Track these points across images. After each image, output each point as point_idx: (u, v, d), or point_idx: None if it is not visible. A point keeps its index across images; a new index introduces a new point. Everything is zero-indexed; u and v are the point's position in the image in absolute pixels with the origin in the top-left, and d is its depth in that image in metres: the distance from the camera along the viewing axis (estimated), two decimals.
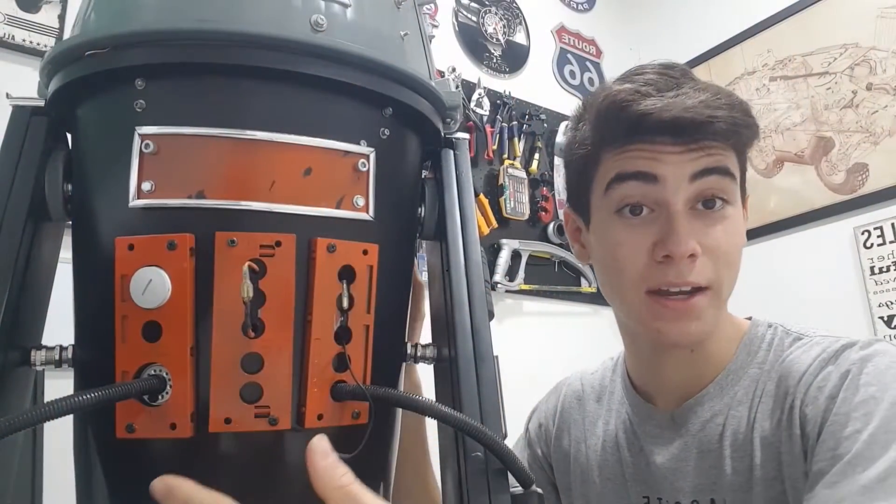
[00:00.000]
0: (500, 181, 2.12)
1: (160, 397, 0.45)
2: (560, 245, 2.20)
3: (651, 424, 0.74)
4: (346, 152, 0.49)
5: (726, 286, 0.66)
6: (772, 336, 0.71)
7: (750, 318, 0.75)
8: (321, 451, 0.40)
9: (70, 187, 0.52)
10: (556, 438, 0.86)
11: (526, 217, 2.16)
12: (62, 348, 0.50)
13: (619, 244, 0.66)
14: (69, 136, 0.54)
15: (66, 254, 0.54)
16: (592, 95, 0.69)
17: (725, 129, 0.62)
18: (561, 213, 2.23)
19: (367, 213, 0.50)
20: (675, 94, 0.63)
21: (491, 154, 2.13)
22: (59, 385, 0.51)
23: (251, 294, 0.44)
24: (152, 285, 0.44)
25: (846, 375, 0.61)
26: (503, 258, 2.05)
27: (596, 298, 2.22)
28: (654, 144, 0.64)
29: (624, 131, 0.65)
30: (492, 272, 2.04)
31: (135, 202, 0.46)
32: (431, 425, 0.52)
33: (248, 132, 0.46)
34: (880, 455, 0.54)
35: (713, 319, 0.66)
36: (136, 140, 0.46)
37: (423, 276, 0.66)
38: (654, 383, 0.75)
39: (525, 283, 2.09)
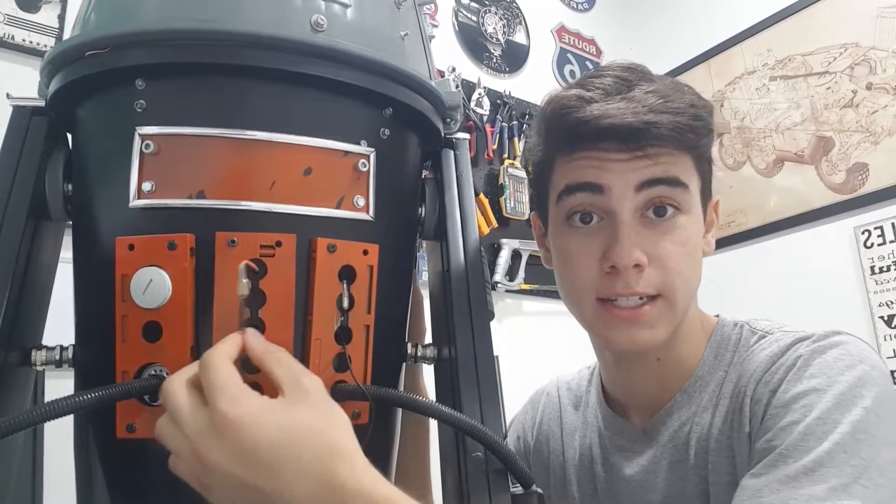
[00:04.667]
0: (500, 181, 2.12)
1: (160, 397, 0.45)
2: None
3: (623, 438, 0.72)
4: (347, 152, 0.49)
5: (680, 295, 0.63)
6: (738, 336, 0.68)
7: (718, 316, 0.72)
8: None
9: (70, 187, 0.52)
10: (536, 451, 0.84)
11: (526, 217, 2.16)
12: (62, 348, 0.50)
13: (570, 254, 0.66)
14: (69, 136, 0.54)
15: (66, 254, 0.54)
16: (543, 100, 0.68)
17: (668, 135, 0.60)
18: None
19: (368, 213, 0.50)
20: (621, 97, 0.61)
21: (491, 154, 2.13)
22: (59, 385, 0.51)
23: (246, 292, 0.44)
24: (153, 285, 0.44)
25: (791, 367, 0.59)
26: (503, 258, 2.04)
27: None
28: (600, 152, 0.62)
29: (567, 139, 0.64)
30: (492, 272, 2.04)
31: (135, 202, 0.46)
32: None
33: (249, 132, 0.47)
34: (814, 447, 0.51)
35: (666, 329, 0.63)
36: (137, 140, 0.46)
37: (424, 277, 0.66)
38: (625, 393, 0.73)
39: (525, 283, 2.09)
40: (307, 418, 0.41)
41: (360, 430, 0.43)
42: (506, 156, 2.18)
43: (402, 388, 0.60)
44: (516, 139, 2.21)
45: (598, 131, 0.60)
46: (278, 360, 0.43)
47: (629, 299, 0.62)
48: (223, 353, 0.42)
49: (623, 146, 0.61)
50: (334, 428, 0.42)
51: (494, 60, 2.30)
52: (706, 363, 0.68)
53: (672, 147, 0.61)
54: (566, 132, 0.63)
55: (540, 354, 1.92)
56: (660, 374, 0.68)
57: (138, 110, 0.47)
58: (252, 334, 0.44)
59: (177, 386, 0.41)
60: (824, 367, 0.57)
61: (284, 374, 0.42)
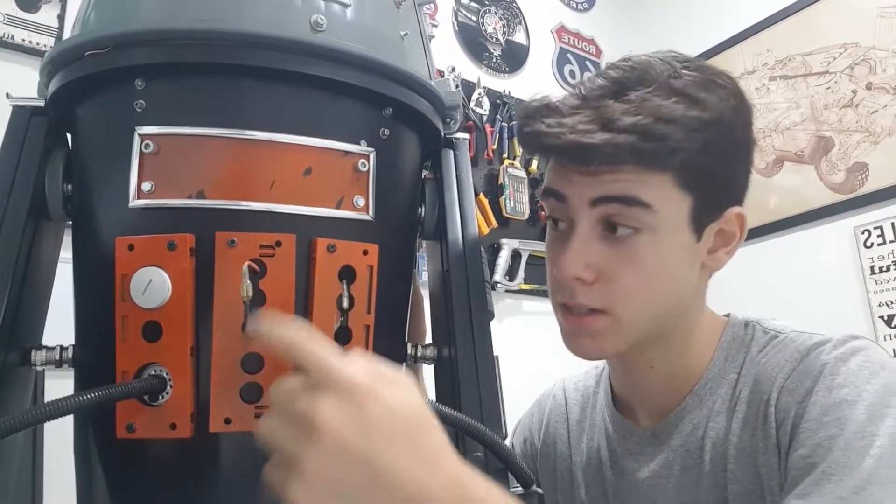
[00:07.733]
0: (500, 181, 2.12)
1: (160, 397, 0.45)
2: None
3: (632, 441, 0.71)
4: (346, 152, 0.49)
5: (629, 314, 0.61)
6: (749, 337, 0.67)
7: (728, 316, 0.71)
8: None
9: (70, 187, 0.52)
10: (543, 455, 0.84)
11: (526, 217, 2.16)
12: (62, 348, 0.50)
13: (547, 255, 0.67)
14: (69, 136, 0.54)
15: (66, 254, 0.54)
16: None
17: (617, 154, 0.57)
18: None
19: (368, 213, 0.50)
20: (587, 109, 0.59)
21: (491, 154, 2.13)
22: (59, 385, 0.51)
23: (251, 293, 0.44)
24: (152, 285, 0.44)
25: (818, 377, 0.58)
26: (503, 258, 2.04)
27: None
28: (565, 163, 0.62)
29: (531, 147, 0.65)
30: (492, 272, 2.04)
31: (135, 202, 0.46)
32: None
33: (248, 132, 0.47)
34: (856, 463, 0.51)
35: (615, 342, 0.63)
36: (136, 140, 0.46)
37: (424, 277, 0.66)
38: (633, 396, 0.73)
39: (525, 283, 2.09)
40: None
41: None
42: (505, 156, 2.18)
43: None
44: (516, 139, 2.21)
45: (542, 147, 0.61)
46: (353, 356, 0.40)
47: (579, 307, 0.62)
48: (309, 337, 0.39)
49: (575, 162, 0.60)
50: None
51: (494, 60, 2.30)
52: (716, 365, 0.67)
53: (634, 164, 0.58)
54: (527, 141, 0.64)
55: (540, 354, 1.92)
56: (665, 378, 0.68)
57: (138, 110, 0.47)
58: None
59: (281, 380, 0.39)
60: (850, 375, 0.57)
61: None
